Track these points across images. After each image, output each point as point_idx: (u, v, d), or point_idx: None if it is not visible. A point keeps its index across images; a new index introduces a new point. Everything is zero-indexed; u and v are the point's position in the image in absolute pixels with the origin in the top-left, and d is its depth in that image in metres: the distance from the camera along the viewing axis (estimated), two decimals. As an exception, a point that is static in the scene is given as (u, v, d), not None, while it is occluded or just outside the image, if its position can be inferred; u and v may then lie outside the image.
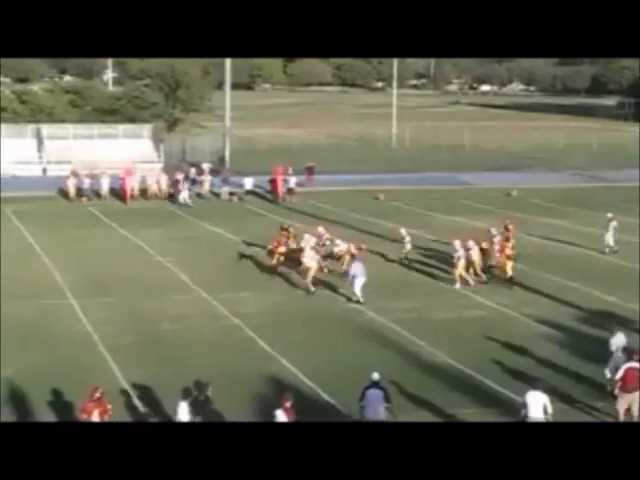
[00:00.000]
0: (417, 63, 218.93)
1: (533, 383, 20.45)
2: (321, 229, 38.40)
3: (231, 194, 58.76)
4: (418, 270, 37.05)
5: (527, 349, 27.10)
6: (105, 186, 57.87)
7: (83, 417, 19.25)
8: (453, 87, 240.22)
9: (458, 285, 33.90)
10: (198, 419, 19.17)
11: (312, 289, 32.91)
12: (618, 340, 23.55)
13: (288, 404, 19.12)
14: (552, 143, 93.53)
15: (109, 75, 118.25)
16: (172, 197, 57.46)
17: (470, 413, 21.88)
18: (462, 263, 34.11)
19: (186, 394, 19.88)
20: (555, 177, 71.29)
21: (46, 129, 72.72)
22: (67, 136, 72.14)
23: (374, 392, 20.15)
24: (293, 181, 58.95)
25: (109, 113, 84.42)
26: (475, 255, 34.72)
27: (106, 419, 19.09)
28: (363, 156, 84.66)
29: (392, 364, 25.31)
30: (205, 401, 19.86)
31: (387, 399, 20.23)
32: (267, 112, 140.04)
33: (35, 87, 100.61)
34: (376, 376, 20.45)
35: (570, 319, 30.49)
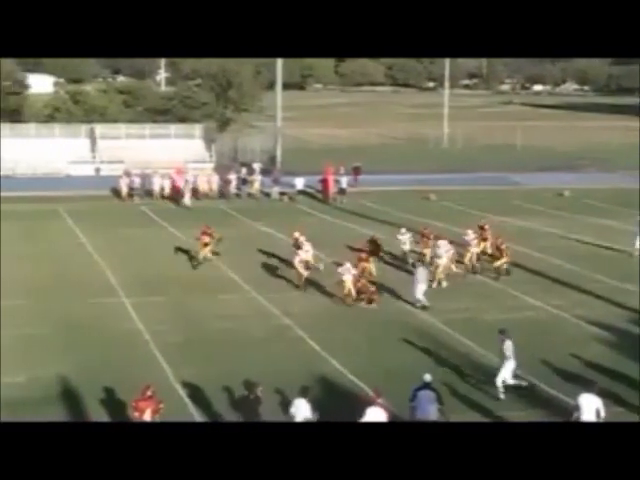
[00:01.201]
0: (469, 63, 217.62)
1: (586, 385, 20.25)
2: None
3: (282, 194, 58.92)
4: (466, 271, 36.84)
5: (579, 351, 26.85)
6: (157, 185, 58.25)
7: (135, 415, 19.41)
8: (505, 87, 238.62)
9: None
10: (249, 418, 19.23)
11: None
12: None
13: (380, 400, 19.31)
14: (606, 143, 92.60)
15: (162, 75, 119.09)
16: (223, 196, 57.80)
17: (520, 415, 21.71)
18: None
19: (304, 392, 19.97)
20: (608, 177, 70.52)
21: (99, 129, 73.40)
22: (120, 136, 72.73)
23: (426, 393, 20.06)
24: (344, 181, 58.93)
25: (161, 113, 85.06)
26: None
27: (157, 417, 19.25)
28: (414, 156, 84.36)
29: (442, 365, 25.21)
30: (255, 400, 19.89)
31: (439, 400, 20.14)
32: (318, 112, 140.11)
33: (88, 87, 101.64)
34: (428, 377, 20.36)
35: (622, 321, 30.16)
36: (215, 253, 38.20)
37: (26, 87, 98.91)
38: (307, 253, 35.03)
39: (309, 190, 60.01)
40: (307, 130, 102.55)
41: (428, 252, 37.30)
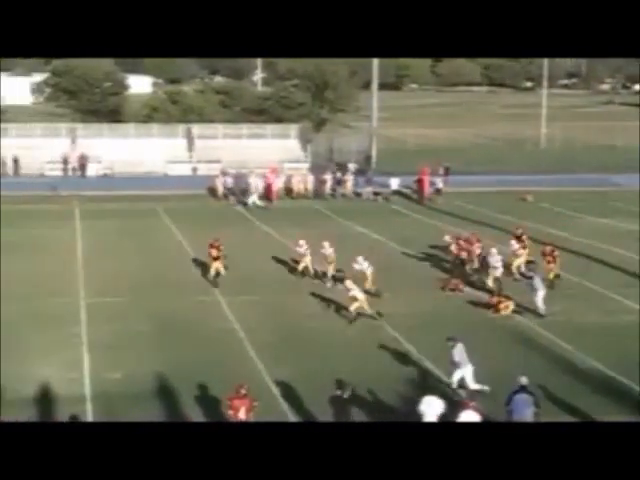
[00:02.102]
0: (567, 62, 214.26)
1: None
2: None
3: (376, 194, 58.78)
4: (564, 272, 36.18)
5: (680, 356, 26.11)
6: (252, 185, 58.61)
7: (229, 413, 19.48)
8: (605, 86, 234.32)
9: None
10: (340, 418, 19.15)
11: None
12: None
13: (473, 403, 19.30)
14: None
15: (258, 76, 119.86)
16: (318, 196, 57.95)
17: (618, 420, 21.18)
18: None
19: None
20: None
21: (196, 129, 74.22)
22: (216, 136, 73.43)
23: (522, 397, 19.72)
24: (440, 181, 58.55)
25: (258, 113, 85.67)
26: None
27: (251, 416, 19.29)
28: (511, 157, 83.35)
29: (538, 368, 24.75)
30: (347, 400, 19.81)
31: (536, 404, 19.78)
32: (414, 112, 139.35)
33: (186, 88, 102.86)
34: (524, 380, 20.01)
35: None
36: (226, 267, 34.65)
37: (125, 88, 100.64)
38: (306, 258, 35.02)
39: (404, 190, 59.74)
40: (402, 130, 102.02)
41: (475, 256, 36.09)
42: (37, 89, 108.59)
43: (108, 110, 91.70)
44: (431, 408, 19.20)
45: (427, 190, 58.03)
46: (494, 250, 34.26)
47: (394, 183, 59.55)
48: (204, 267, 36.55)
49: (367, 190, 59.09)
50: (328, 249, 34.70)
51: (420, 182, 58.49)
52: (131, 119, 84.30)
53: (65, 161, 69.12)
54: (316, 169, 65.25)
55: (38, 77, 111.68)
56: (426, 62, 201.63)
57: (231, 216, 51.75)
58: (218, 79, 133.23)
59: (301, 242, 35.36)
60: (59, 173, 67.92)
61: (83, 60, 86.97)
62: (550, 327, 29.01)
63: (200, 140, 72.86)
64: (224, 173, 60.03)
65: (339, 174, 61.06)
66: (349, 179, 60.50)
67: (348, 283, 30.17)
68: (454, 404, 20.46)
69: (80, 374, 24.64)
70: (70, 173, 68.77)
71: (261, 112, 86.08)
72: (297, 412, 21.94)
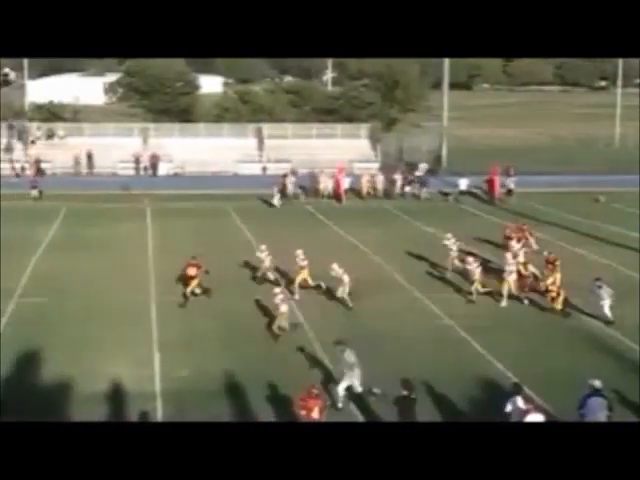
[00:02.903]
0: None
1: None
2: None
3: (445, 194, 58.50)
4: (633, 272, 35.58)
5: None
6: (322, 185, 58.68)
7: (302, 413, 19.45)
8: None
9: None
10: (409, 418, 19.04)
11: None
12: None
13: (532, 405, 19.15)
14: None
15: (328, 75, 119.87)
16: (388, 196, 57.80)
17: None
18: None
19: (517, 389, 20.02)
20: None
21: (266, 129, 74.49)
22: (286, 135, 73.64)
23: (596, 400, 19.39)
24: (511, 182, 58.01)
25: (327, 113, 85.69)
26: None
27: (323, 416, 19.27)
28: (583, 157, 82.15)
29: (609, 371, 24.34)
30: (414, 400, 19.71)
31: (610, 407, 19.45)
32: (485, 112, 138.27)
33: (256, 88, 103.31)
34: (598, 383, 19.66)
35: None
36: (205, 291, 32.31)
37: (197, 88, 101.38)
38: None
39: (474, 190, 59.30)
40: (473, 130, 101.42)
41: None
42: (110, 89, 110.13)
43: (179, 110, 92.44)
44: (516, 407, 19.09)
45: (497, 190, 57.56)
46: (509, 255, 33.57)
47: (463, 183, 59.15)
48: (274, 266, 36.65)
49: (423, 191, 58.85)
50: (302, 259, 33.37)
51: (490, 182, 58.03)
52: (202, 119, 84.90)
53: (137, 160, 69.93)
54: (386, 169, 65.09)
55: (111, 77, 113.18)
56: (498, 61, 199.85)
57: (300, 215, 51.81)
58: (288, 79, 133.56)
59: (298, 252, 33.61)
60: (131, 172, 68.73)
61: (156, 60, 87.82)
62: (621, 329, 28.54)
63: (270, 140, 73.12)
64: (293, 172, 60.16)
65: (409, 174, 60.87)
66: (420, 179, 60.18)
67: (277, 290, 29.30)
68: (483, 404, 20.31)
69: (151, 371, 24.87)
70: (142, 172, 69.56)
71: (331, 112, 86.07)
72: (363, 413, 21.88)
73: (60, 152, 69.95)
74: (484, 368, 25.19)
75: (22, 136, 71.99)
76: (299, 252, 33.47)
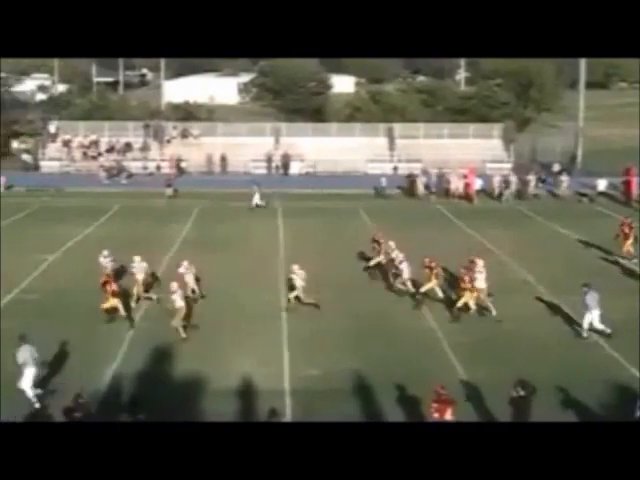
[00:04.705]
0: None
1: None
2: None
3: (582, 195, 57.27)
4: None
5: None
6: (453, 185, 58.18)
7: (435, 416, 19.26)
8: None
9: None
10: (521, 418, 18.77)
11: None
12: None
13: None
14: None
15: (461, 75, 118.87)
16: (520, 197, 56.89)
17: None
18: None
19: None
20: None
21: (398, 128, 74.24)
22: (418, 135, 73.26)
23: None
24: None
25: (460, 113, 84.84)
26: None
27: (454, 418, 19.04)
28: None
29: None
30: (530, 401, 19.40)
31: None
32: (622, 111, 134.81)
33: (388, 87, 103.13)
34: None
35: None
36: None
37: (329, 87, 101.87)
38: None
39: (612, 192, 57.85)
40: (610, 130, 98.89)
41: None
42: (244, 89, 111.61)
43: (311, 109, 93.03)
44: None
45: (635, 191, 56.01)
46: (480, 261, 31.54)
47: (601, 184, 57.85)
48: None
49: (563, 187, 57.72)
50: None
51: (627, 184, 56.53)
52: (333, 118, 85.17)
53: (269, 159, 70.57)
54: (519, 169, 64.11)
55: (245, 77, 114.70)
56: (636, 60, 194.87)
57: (431, 215, 51.45)
58: (420, 78, 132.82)
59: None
60: (263, 171, 69.38)
61: (289, 60, 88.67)
62: None
63: (401, 139, 72.87)
64: (425, 172, 59.81)
65: (544, 174, 59.86)
66: (564, 180, 58.84)
67: (173, 286, 28.48)
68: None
69: (280, 369, 24.98)
70: (273, 171, 70.16)
71: (464, 111, 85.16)
72: (480, 413, 21.56)
73: (194, 151, 71.16)
74: (616, 374, 24.54)
75: (158, 135, 73.53)
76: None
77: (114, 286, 29.50)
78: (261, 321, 29.57)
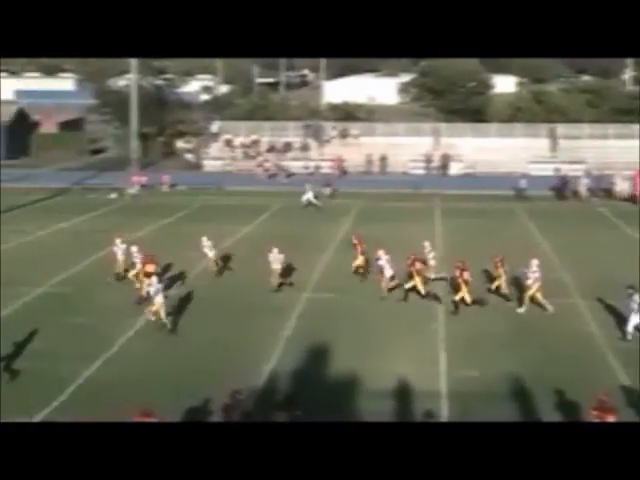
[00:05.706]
0: None
1: None
2: None
3: None
4: None
5: None
6: (618, 187, 56.75)
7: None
8: None
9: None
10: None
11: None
12: None
13: None
14: None
15: (628, 74, 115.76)
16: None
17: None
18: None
19: None
20: None
21: (561, 129, 72.93)
22: (581, 136, 71.78)
23: None
24: None
25: (626, 113, 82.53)
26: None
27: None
28: None
29: None
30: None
31: None
32: None
33: (551, 87, 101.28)
34: None
35: None
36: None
37: (490, 87, 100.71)
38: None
39: None
40: None
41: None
42: (404, 89, 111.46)
43: (471, 110, 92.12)
44: None
45: None
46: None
47: None
48: (564, 268, 35.75)
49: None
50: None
51: None
52: (494, 119, 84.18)
53: (428, 160, 70.38)
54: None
55: (405, 78, 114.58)
56: None
57: (593, 218, 50.27)
58: (585, 78, 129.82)
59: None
60: (421, 172, 69.26)
61: (449, 60, 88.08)
62: None
63: (564, 140, 71.53)
64: (588, 174, 58.55)
65: None
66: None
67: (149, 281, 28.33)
68: None
69: (436, 371, 24.83)
70: (432, 172, 69.90)
71: (630, 112, 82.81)
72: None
73: (353, 151, 71.61)
74: None
75: (317, 135, 74.30)
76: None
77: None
78: (418, 321, 29.46)
